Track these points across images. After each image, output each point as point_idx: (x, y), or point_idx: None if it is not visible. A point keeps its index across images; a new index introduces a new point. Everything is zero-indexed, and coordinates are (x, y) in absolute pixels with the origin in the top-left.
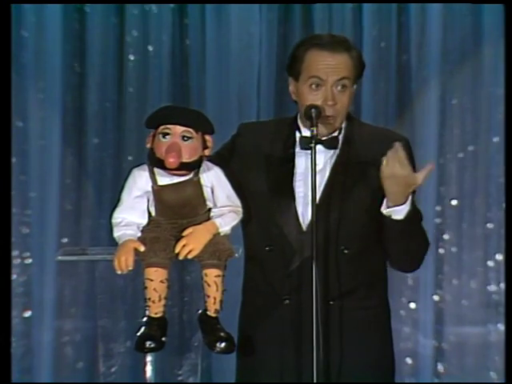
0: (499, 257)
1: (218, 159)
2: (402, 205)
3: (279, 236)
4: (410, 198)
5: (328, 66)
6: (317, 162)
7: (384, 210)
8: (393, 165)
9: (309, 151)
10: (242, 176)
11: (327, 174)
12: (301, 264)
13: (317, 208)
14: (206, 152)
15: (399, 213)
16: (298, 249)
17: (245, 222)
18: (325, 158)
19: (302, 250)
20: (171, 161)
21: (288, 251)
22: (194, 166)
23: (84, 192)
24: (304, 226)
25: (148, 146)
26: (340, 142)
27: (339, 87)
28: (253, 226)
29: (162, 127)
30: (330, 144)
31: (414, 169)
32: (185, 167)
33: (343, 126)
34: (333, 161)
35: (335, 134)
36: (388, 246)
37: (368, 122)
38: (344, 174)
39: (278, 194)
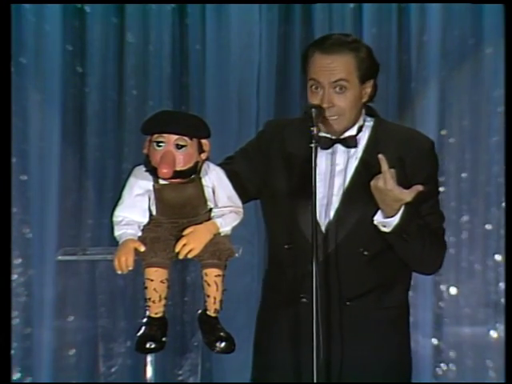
0: (498, 257)
1: (242, 154)
2: (391, 217)
3: (298, 235)
4: (400, 212)
5: (325, 68)
6: (337, 161)
7: (375, 221)
8: (377, 177)
9: (328, 151)
10: (264, 172)
11: (350, 174)
12: (320, 263)
13: (337, 209)
14: (203, 156)
15: (388, 224)
16: (317, 248)
17: (267, 219)
18: (344, 158)
19: (321, 249)
20: (164, 171)
21: (306, 250)
22: (190, 173)
23: (84, 192)
24: (323, 227)
25: (144, 151)
26: (365, 141)
27: (337, 89)
28: (274, 224)
29: (156, 135)
30: (347, 143)
31: (436, 174)
32: (179, 175)
33: (369, 125)
34: (356, 161)
35: (352, 132)
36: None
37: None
38: (367, 175)
39: (298, 192)
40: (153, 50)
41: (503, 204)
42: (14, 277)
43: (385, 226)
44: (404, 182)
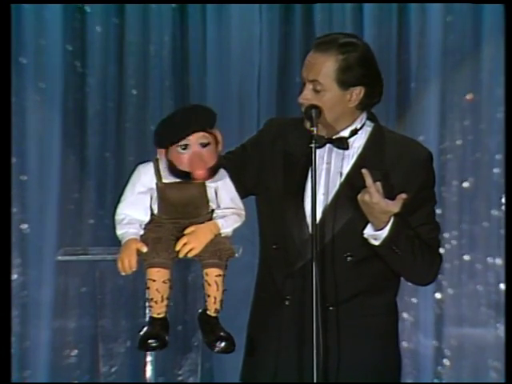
0: (499, 257)
1: (241, 150)
2: (380, 230)
3: (286, 235)
4: (389, 224)
5: (307, 64)
6: (328, 160)
7: (365, 234)
8: (364, 191)
9: (321, 149)
10: (261, 170)
11: (343, 177)
12: (304, 265)
13: (326, 210)
14: (220, 147)
15: (378, 237)
16: (302, 249)
17: (260, 218)
18: (336, 158)
19: (306, 251)
20: (200, 173)
21: (292, 251)
22: (218, 168)
23: (84, 192)
24: (310, 228)
25: (162, 156)
26: (361, 146)
27: (314, 88)
28: (265, 223)
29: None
30: (338, 143)
31: (433, 185)
32: (212, 173)
33: (368, 130)
34: (349, 166)
35: (345, 134)
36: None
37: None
38: (359, 181)
39: (290, 192)
40: (153, 50)
41: (503, 204)
42: (14, 276)
43: (375, 239)
44: (396, 191)
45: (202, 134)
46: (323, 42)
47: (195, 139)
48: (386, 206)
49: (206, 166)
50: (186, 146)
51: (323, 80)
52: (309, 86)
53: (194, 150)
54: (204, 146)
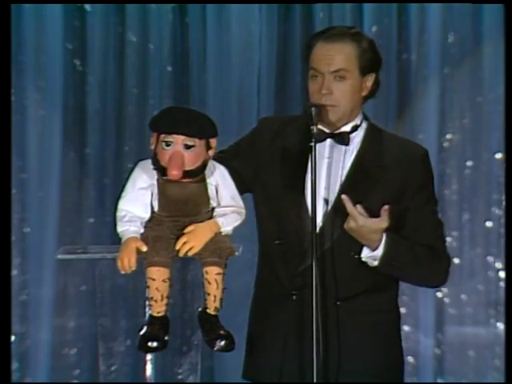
0: (499, 256)
1: (235, 148)
2: (375, 250)
3: (289, 231)
4: (383, 241)
5: (325, 57)
6: (329, 155)
7: (363, 258)
8: (348, 219)
9: (321, 143)
10: (257, 167)
11: (344, 173)
12: (310, 262)
13: (332, 207)
14: (210, 153)
15: (376, 257)
16: (307, 247)
17: (259, 214)
18: (337, 153)
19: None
20: (174, 173)
21: (297, 248)
22: (198, 172)
23: (84, 190)
24: (316, 223)
25: (152, 147)
26: (359, 144)
27: (336, 77)
28: (266, 219)
29: (165, 135)
30: (340, 139)
31: (433, 183)
32: (188, 175)
33: (364, 126)
34: (349, 164)
35: (346, 129)
36: None
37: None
38: (362, 177)
39: (290, 188)
40: (153, 49)
41: (503, 203)
42: (14, 276)
43: (374, 260)
44: (397, 188)
45: (188, 137)
46: (334, 33)
47: (180, 139)
48: (373, 225)
49: (183, 167)
50: (170, 143)
51: (348, 66)
52: (329, 77)
53: (176, 149)
54: (188, 147)
